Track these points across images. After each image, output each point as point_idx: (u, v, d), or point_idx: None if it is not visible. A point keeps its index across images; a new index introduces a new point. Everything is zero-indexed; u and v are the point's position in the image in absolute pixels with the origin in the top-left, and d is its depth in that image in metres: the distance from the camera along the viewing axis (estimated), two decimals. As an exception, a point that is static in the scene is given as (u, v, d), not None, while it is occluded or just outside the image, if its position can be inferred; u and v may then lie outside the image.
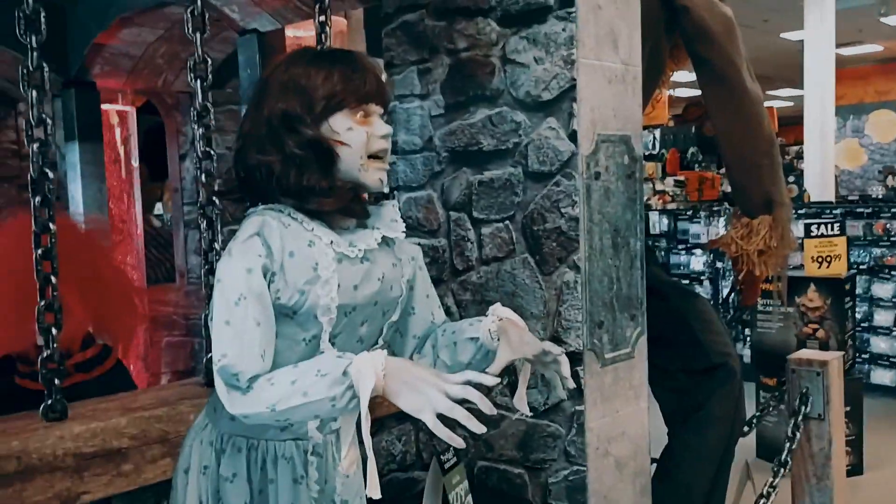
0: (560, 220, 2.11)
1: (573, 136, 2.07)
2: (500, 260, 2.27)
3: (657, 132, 8.79)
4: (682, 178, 8.08)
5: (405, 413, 2.32)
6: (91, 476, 1.71)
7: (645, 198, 8.21)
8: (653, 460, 2.77)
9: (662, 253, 8.27)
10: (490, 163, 2.27)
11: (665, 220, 7.53)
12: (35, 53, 1.71)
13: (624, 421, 2.24)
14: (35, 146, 1.68)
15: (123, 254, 4.38)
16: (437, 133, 2.40)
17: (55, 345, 1.73)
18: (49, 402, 1.73)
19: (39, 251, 1.70)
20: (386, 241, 1.50)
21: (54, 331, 1.73)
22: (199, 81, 1.95)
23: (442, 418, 1.23)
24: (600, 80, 2.12)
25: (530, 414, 1.52)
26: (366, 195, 1.51)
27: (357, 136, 1.39)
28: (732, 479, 2.74)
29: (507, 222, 2.24)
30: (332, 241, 1.38)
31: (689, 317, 2.64)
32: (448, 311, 2.37)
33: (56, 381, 1.74)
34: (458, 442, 1.23)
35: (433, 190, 2.44)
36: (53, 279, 1.72)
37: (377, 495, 1.28)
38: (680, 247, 7.01)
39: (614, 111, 2.16)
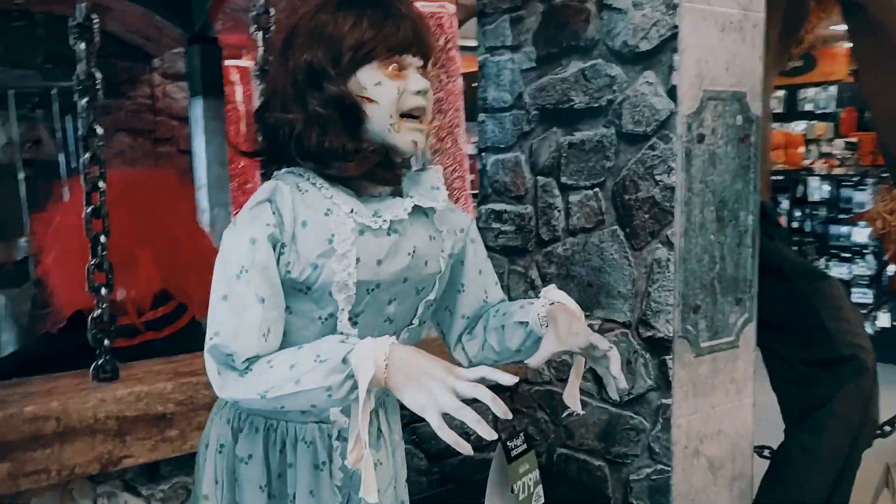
0: (654, 188, 1.86)
1: (672, 93, 1.80)
2: (587, 231, 2.05)
3: (833, 89, 7.96)
4: (853, 139, 7.28)
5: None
6: (134, 440, 1.67)
7: (808, 161, 7.57)
8: (762, 450, 2.49)
9: (820, 223, 7.58)
10: (581, 122, 2.03)
11: (826, 187, 6.90)
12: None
13: (721, 418, 1.98)
14: (84, 101, 1.61)
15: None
16: (527, 89, 2.19)
17: (105, 305, 1.69)
18: (99, 361, 1.70)
19: (89, 209, 1.66)
20: (424, 212, 1.33)
21: (104, 290, 1.69)
22: (261, 33, 1.84)
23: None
24: (710, 28, 1.83)
25: (583, 412, 1.32)
26: (411, 159, 1.34)
27: (386, 92, 1.22)
28: (869, 484, 2.41)
29: (597, 189, 2.01)
30: (352, 210, 1.23)
31: (816, 301, 2.31)
32: (532, 285, 2.19)
33: (106, 341, 1.70)
34: (465, 448, 1.06)
35: (521, 152, 2.23)
36: (103, 238, 1.67)
37: (373, 499, 1.13)
38: (842, 216, 6.39)
39: (727, 64, 1.86)
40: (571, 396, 1.36)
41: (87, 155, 1.63)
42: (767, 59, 2.06)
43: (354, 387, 1.10)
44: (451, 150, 2.73)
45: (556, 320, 1.31)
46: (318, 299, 1.23)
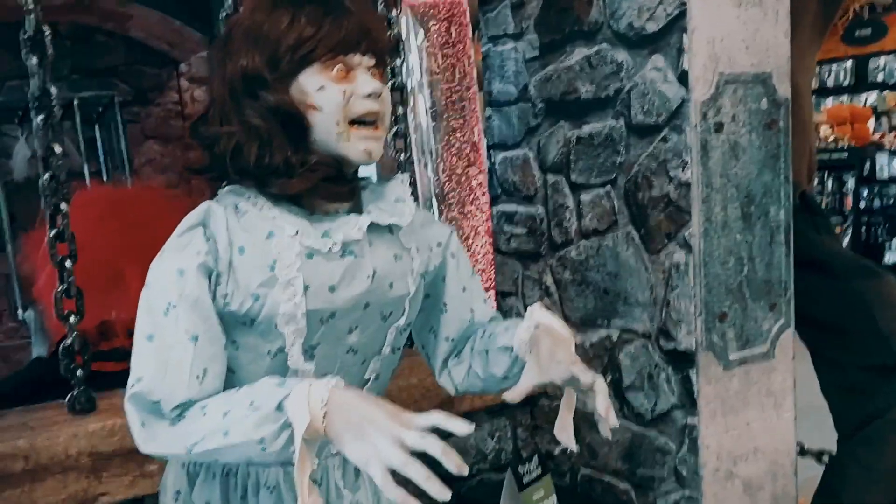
0: (668, 185, 1.67)
1: (683, 78, 1.61)
2: (601, 233, 1.87)
3: (906, 55, 7.50)
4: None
5: (501, 405, 2.01)
6: (110, 476, 1.57)
7: (878, 135, 7.14)
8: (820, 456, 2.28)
9: (890, 202, 7.16)
10: (589, 115, 1.85)
11: (896, 163, 6.55)
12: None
13: (757, 435, 1.78)
14: (39, 118, 1.51)
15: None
16: (532, 80, 2.01)
17: (75, 333, 1.59)
18: (74, 392, 1.61)
19: (52, 233, 1.55)
20: (389, 228, 1.18)
21: (73, 318, 1.59)
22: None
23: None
24: (724, 4, 1.63)
25: (576, 450, 1.16)
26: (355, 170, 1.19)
27: (330, 97, 1.07)
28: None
29: (609, 187, 1.83)
30: (297, 232, 1.09)
31: (870, 300, 2.08)
32: (548, 292, 2.02)
33: (79, 372, 1.61)
34: None
35: (529, 148, 2.06)
36: (69, 263, 1.57)
37: None
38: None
39: (745, 43, 1.66)
40: (563, 431, 1.20)
41: (47, 175, 1.53)
42: (803, 34, 1.85)
43: (293, 438, 0.96)
44: (469, 153, 2.59)
45: (538, 346, 1.16)
46: (264, 332, 1.09)
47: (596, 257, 1.89)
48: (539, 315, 1.23)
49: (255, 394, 0.99)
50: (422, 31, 2.77)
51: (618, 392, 1.88)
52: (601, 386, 1.08)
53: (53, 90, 1.51)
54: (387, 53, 1.16)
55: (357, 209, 1.17)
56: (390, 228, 1.19)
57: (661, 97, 1.66)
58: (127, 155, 4.31)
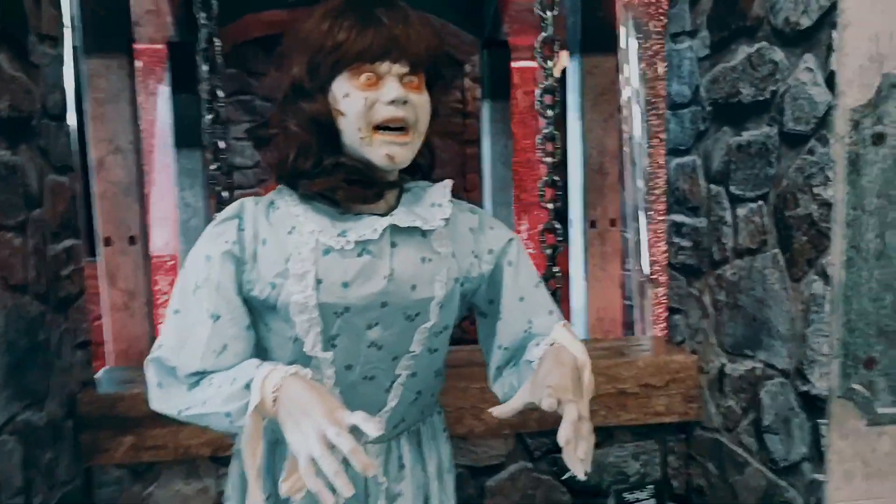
0: (811, 204, 1.45)
1: (830, 81, 1.38)
2: (752, 253, 1.67)
3: None
4: None
5: (650, 427, 1.93)
6: (243, 430, 1.79)
7: None
8: None
9: None
10: (749, 120, 1.66)
11: None
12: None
13: (916, 512, 1.48)
14: (209, 117, 1.76)
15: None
16: (702, 81, 1.85)
17: None
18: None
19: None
20: (422, 232, 1.21)
21: None
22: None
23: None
24: (895, -8, 1.36)
25: (584, 478, 1.08)
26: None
27: (353, 104, 1.13)
28: None
29: (761, 202, 1.63)
30: (313, 230, 1.17)
31: None
32: (705, 312, 1.87)
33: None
34: (328, 500, 0.95)
35: (697, 155, 1.90)
36: None
37: None
38: None
39: (928, 37, 1.37)
40: (567, 457, 1.13)
41: (214, 167, 1.78)
42: None
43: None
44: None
45: (541, 365, 1.11)
46: (285, 318, 1.19)
47: (747, 280, 1.69)
48: (559, 333, 1.18)
49: (238, 372, 1.09)
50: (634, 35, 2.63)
51: (757, 432, 1.68)
52: (570, 415, 1.00)
53: (220, 93, 1.75)
54: (424, 62, 1.17)
55: (393, 211, 1.21)
56: (423, 232, 1.21)
57: (809, 102, 1.44)
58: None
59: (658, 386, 1.94)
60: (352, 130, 1.14)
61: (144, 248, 3.28)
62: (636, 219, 3.46)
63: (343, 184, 1.17)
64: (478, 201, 4.86)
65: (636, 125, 3.26)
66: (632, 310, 3.67)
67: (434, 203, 1.23)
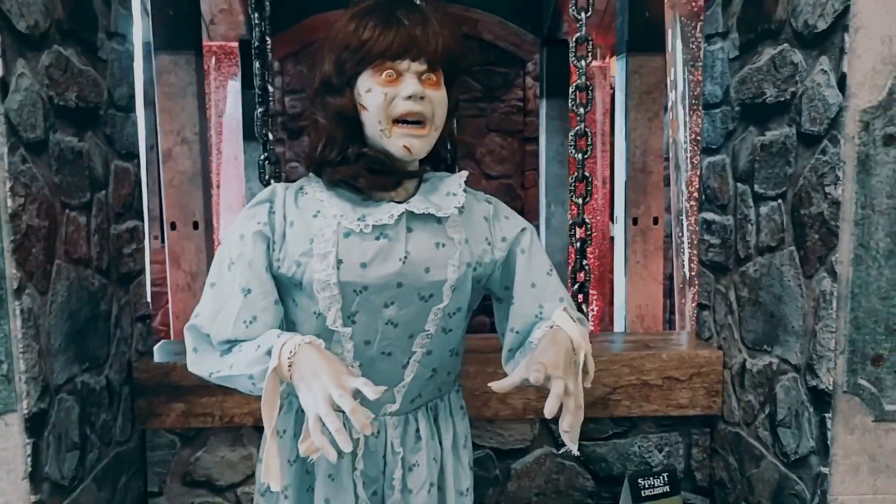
0: (823, 203, 1.49)
1: (842, 82, 1.42)
2: (772, 251, 1.71)
3: None
4: None
5: (674, 420, 1.99)
6: (282, 403, 1.91)
7: None
8: None
9: None
10: (772, 120, 1.70)
11: None
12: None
13: (924, 509, 1.50)
14: (260, 110, 1.89)
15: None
16: (732, 81, 1.89)
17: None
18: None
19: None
20: (437, 218, 1.31)
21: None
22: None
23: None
24: (910, -5, 1.39)
25: (577, 453, 1.16)
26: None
27: (374, 98, 1.24)
28: None
29: (780, 201, 1.67)
30: (335, 214, 1.28)
31: None
32: (730, 309, 1.91)
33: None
34: (331, 455, 1.05)
35: (727, 154, 1.94)
36: None
37: (275, 486, 1.17)
38: None
39: (944, 41, 1.40)
40: (564, 433, 1.21)
41: (263, 155, 1.92)
42: None
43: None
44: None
45: (538, 345, 1.19)
46: (309, 295, 1.30)
47: (767, 276, 1.73)
48: (559, 317, 1.26)
49: (262, 340, 1.21)
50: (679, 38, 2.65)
51: (772, 426, 1.71)
52: (556, 389, 1.08)
53: (270, 89, 1.88)
54: (441, 60, 1.26)
55: (408, 198, 1.31)
56: (438, 219, 1.31)
57: (823, 104, 1.48)
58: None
59: (681, 379, 1.98)
60: (373, 123, 1.24)
61: (207, 233, 3.48)
62: (680, 218, 3.48)
63: (364, 172, 1.27)
64: (535, 199, 4.93)
65: (681, 128, 3.28)
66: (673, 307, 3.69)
67: (449, 192, 1.32)
